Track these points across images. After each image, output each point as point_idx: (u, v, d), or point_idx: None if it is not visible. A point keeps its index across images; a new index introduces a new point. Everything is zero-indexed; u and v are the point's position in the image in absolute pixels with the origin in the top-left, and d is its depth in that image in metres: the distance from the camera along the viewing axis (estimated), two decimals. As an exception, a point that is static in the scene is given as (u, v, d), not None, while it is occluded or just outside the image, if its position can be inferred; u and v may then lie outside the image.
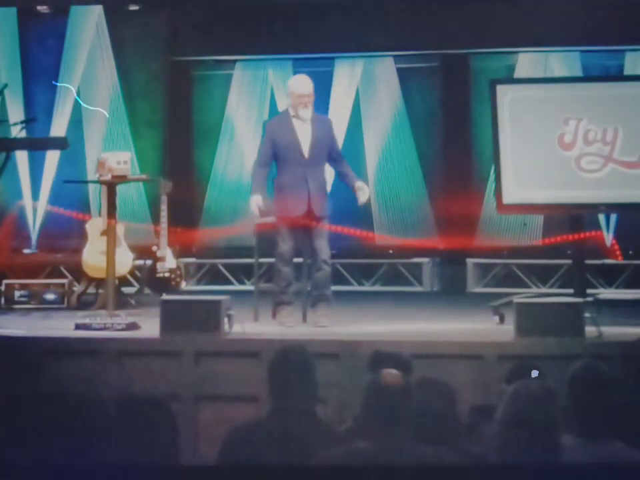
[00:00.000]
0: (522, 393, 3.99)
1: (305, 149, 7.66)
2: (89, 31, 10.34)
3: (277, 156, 7.71)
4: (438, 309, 8.63)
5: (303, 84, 7.74)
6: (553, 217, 9.03)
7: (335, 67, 10.24)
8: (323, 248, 7.65)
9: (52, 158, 10.25)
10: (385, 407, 4.05)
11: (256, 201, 7.62)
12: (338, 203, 9.95)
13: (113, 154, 8.79)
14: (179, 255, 9.19)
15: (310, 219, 7.65)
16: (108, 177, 8.55)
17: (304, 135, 7.68)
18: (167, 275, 8.88)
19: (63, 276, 9.72)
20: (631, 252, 9.06)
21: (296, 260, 7.79)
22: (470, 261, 9.90)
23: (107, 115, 10.14)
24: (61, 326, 7.71)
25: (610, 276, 9.53)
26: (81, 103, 9.71)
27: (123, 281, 9.09)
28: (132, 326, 7.36)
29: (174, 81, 10.52)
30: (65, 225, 9.92)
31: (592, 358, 4.85)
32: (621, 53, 9.66)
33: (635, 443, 4.20)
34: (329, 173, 8.07)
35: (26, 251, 10.31)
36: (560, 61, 9.82)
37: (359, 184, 7.74)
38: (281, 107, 10.31)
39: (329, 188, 9.74)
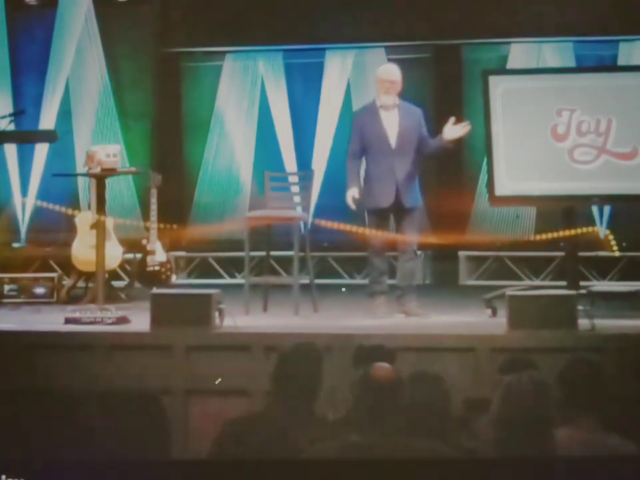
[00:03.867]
0: (515, 386, 3.98)
1: (392, 139, 7.66)
2: (77, 22, 10.29)
3: (365, 147, 7.70)
4: (430, 302, 8.59)
5: (387, 70, 7.80)
6: (546, 209, 9.00)
7: (325, 58, 10.21)
8: (413, 239, 7.70)
9: (41, 151, 10.21)
10: (376, 400, 4.03)
11: (352, 194, 7.60)
12: (330, 198, 9.97)
13: (102, 147, 8.76)
14: (169, 248, 9.14)
15: (398, 209, 7.66)
16: (97, 170, 8.52)
17: (391, 124, 7.69)
18: (157, 268, 8.85)
19: (52, 270, 9.70)
20: (624, 244, 9.03)
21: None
22: (462, 254, 9.87)
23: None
24: (50, 320, 7.68)
25: (603, 268, 9.52)
26: None
27: (113, 275, 9.08)
28: (122, 320, 7.34)
29: (163, 73, 10.48)
30: (54, 218, 9.86)
31: (584, 351, 4.84)
32: (614, 43, 9.63)
33: (628, 435, 4.18)
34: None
35: (15, 244, 10.27)
36: (553, 52, 9.79)
37: (444, 133, 7.70)
38: (271, 98, 10.31)
39: (319, 182, 9.83)
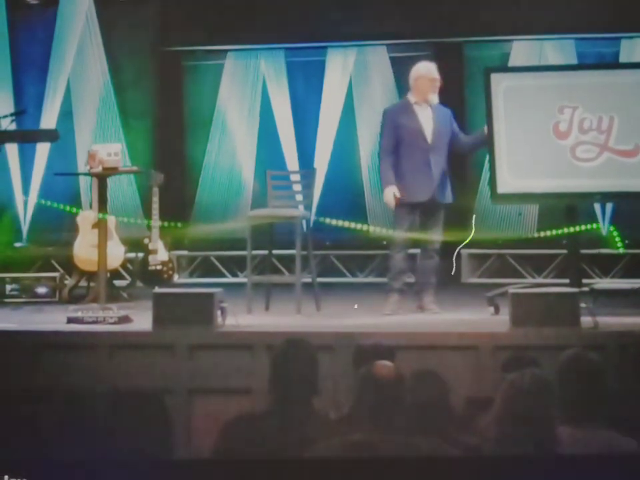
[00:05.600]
0: (517, 384, 3.98)
1: (428, 134, 7.73)
2: (78, 21, 10.31)
3: (399, 142, 7.74)
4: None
5: (433, 68, 7.84)
6: (548, 206, 9.00)
7: (327, 56, 10.22)
8: (437, 237, 7.74)
9: (42, 150, 10.22)
10: (378, 398, 4.04)
11: (392, 191, 7.64)
12: (332, 196, 9.98)
13: (103, 146, 8.77)
14: (171, 247, 9.15)
15: (432, 205, 7.72)
16: (99, 169, 8.53)
17: (426, 120, 7.76)
18: (159, 267, 8.86)
19: (54, 269, 9.70)
20: (627, 241, 9.03)
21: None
22: (464, 252, 9.85)
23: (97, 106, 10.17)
24: (52, 320, 7.69)
25: (606, 266, 9.52)
26: None
27: (115, 274, 9.08)
28: (124, 319, 7.34)
29: (164, 72, 10.49)
30: (55, 217, 9.88)
31: (582, 347, 4.83)
32: (616, 40, 9.64)
33: (631, 433, 4.18)
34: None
35: (17, 244, 10.27)
36: (555, 49, 9.79)
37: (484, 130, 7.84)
38: (273, 97, 10.32)
39: (321, 180, 9.84)
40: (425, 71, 7.82)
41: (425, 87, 7.77)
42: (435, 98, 7.78)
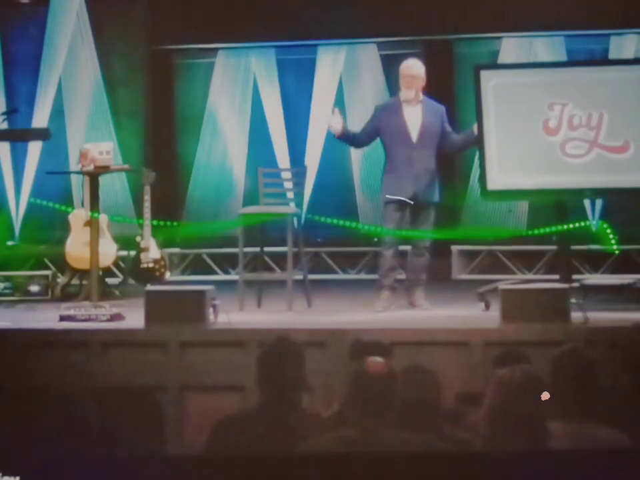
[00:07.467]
0: (508, 379, 3.99)
1: (413, 132, 7.75)
2: (69, 20, 10.30)
3: (385, 139, 7.83)
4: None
5: (407, 65, 7.87)
6: (538, 203, 9.03)
7: (318, 54, 10.23)
8: (426, 235, 7.77)
9: (34, 149, 10.22)
10: (370, 394, 4.05)
11: (334, 119, 7.78)
12: (323, 193, 9.99)
13: (95, 144, 8.78)
14: (162, 245, 9.16)
15: (420, 203, 7.73)
16: (90, 168, 8.54)
17: (413, 119, 7.77)
18: (151, 265, 8.87)
19: (46, 267, 9.70)
20: (616, 237, 9.04)
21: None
22: (455, 248, 9.89)
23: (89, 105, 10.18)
24: (45, 318, 7.70)
25: (596, 261, 9.54)
26: None
27: (107, 272, 9.08)
28: (116, 317, 7.36)
29: (155, 70, 10.49)
30: (47, 216, 9.89)
31: (578, 342, 4.85)
32: (605, 37, 9.66)
33: (621, 428, 4.20)
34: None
35: (9, 242, 10.27)
36: (544, 46, 9.82)
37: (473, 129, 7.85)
38: (264, 94, 10.33)
39: (312, 178, 9.86)
40: (402, 68, 7.87)
41: (400, 82, 7.83)
42: (408, 94, 7.77)
